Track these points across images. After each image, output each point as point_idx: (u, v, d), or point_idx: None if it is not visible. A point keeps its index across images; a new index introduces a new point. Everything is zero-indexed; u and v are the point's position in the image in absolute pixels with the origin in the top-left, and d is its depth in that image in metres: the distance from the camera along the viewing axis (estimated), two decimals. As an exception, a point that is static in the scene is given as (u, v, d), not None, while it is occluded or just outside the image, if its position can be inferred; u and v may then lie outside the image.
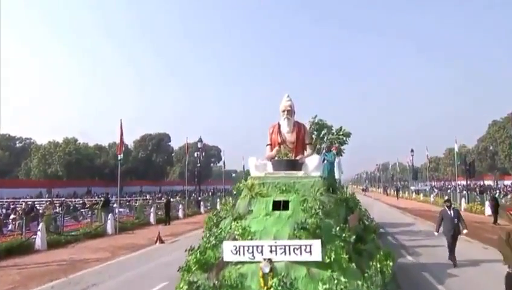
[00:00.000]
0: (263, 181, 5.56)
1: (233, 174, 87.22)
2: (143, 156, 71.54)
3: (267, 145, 6.57)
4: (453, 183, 59.09)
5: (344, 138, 13.42)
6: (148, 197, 45.85)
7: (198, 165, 31.21)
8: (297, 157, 6.07)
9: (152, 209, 21.86)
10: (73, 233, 15.80)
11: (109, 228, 17.09)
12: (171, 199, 35.00)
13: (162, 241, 13.79)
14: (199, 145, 29.51)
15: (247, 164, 6.57)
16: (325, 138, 13.82)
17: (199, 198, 29.81)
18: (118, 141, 18.20)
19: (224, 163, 46.23)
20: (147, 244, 13.78)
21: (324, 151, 10.11)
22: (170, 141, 77.13)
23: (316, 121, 13.40)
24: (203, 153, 36.74)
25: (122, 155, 17.36)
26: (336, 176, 10.34)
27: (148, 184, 70.07)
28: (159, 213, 23.59)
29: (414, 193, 43.21)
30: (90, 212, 25.88)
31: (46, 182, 53.52)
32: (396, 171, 69.84)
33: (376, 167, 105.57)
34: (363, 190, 78.71)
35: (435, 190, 47.31)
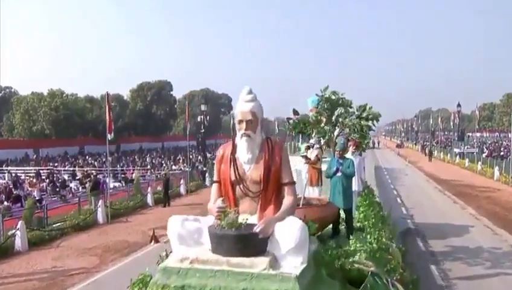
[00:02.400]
0: (184, 283, 3.03)
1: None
2: (141, 108, 71.68)
3: (214, 182, 3.87)
4: (510, 136, 57.22)
5: (370, 123, 9.75)
6: (147, 159, 46.69)
7: (202, 131, 30.98)
8: (258, 228, 3.09)
9: (149, 190, 22.14)
10: (59, 225, 16.12)
11: (100, 216, 17.41)
12: (173, 167, 35.62)
13: (157, 241, 13.92)
14: (203, 108, 29.12)
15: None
16: (340, 121, 9.75)
17: (204, 168, 30.01)
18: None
19: (233, 116, 45.89)
20: (141, 243, 13.97)
21: (337, 156, 7.43)
22: (172, 90, 76.84)
23: (328, 95, 9.69)
24: (207, 119, 36.29)
25: (112, 135, 17.23)
26: (354, 188, 8.40)
27: (148, 140, 70.99)
28: (158, 188, 23.94)
29: (458, 157, 42.40)
30: (80, 187, 26.66)
31: (32, 141, 54.56)
32: (438, 124, 68.39)
33: (415, 117, 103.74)
34: (397, 146, 77.97)
35: (485, 151, 46.38)
